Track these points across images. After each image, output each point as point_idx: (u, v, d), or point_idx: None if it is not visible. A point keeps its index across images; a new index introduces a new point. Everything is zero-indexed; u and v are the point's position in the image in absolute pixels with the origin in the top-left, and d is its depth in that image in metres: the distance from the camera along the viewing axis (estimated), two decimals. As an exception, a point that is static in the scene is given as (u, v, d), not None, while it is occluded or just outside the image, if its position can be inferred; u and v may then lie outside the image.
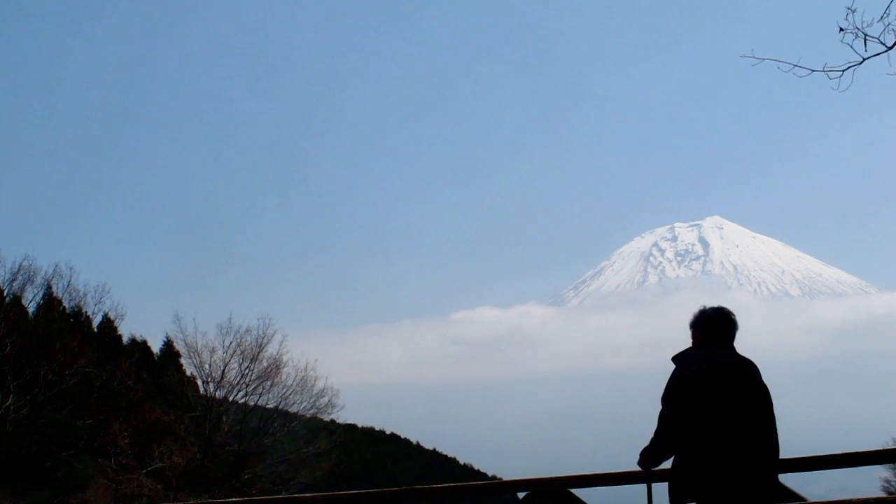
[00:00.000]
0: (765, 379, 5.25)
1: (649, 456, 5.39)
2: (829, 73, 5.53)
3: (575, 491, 6.33)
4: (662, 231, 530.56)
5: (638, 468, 5.61)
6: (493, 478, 38.55)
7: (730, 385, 5.10)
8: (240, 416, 25.57)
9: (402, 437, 45.92)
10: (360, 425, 42.66)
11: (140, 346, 30.44)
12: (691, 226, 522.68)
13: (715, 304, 5.46)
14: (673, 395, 5.17)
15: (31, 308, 25.99)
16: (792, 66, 5.55)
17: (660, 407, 5.27)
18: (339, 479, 25.78)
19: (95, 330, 28.33)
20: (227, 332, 25.29)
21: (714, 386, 5.09)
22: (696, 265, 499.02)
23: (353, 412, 36.54)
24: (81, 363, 22.88)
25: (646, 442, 5.42)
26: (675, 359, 5.32)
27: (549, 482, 6.35)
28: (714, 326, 5.33)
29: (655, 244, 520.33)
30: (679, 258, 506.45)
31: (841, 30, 5.38)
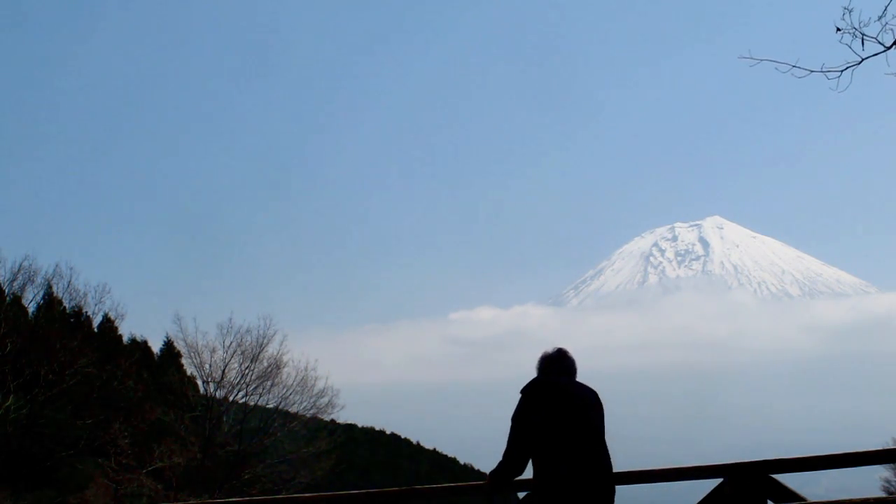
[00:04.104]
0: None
1: (498, 477, 5.79)
2: (827, 73, 5.55)
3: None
4: (662, 231, 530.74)
5: (644, 469, 5.81)
6: (493, 478, 38.49)
7: (570, 404, 5.57)
8: (240, 416, 25.59)
9: (402, 437, 45.98)
10: (360, 425, 42.72)
11: (140, 346, 30.50)
12: (691, 226, 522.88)
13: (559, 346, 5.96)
14: (519, 419, 5.64)
15: (31, 308, 26.03)
16: (790, 67, 5.58)
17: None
18: (339, 479, 25.80)
19: (95, 330, 28.36)
20: (227, 332, 25.35)
21: (557, 406, 5.55)
22: (696, 265, 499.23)
23: (353, 412, 36.63)
24: (81, 363, 22.90)
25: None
26: (523, 390, 5.76)
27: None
28: (555, 362, 5.84)
29: (655, 244, 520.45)
30: (679, 258, 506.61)
31: (838, 30, 5.39)
